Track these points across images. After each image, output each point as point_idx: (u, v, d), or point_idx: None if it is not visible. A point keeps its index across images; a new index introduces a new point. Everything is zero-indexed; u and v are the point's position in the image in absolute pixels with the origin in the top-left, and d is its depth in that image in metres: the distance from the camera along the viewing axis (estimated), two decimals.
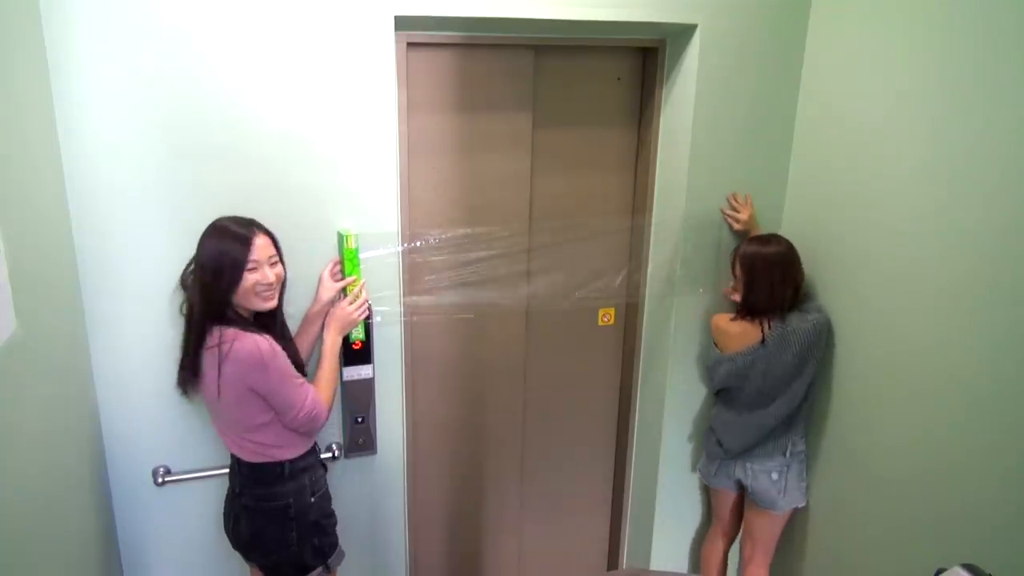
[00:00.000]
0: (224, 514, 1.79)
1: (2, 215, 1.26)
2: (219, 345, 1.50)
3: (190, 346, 1.56)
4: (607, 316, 2.44)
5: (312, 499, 1.69)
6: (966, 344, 1.61)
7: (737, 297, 2.05)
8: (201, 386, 1.58)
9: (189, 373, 1.57)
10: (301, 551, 1.68)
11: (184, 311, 1.62)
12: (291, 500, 1.65)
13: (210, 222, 1.57)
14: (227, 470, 1.77)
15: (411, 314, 2.04)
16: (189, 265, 1.60)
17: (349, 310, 1.77)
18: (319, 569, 1.73)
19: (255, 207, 1.68)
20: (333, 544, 1.78)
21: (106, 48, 1.56)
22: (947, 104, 1.63)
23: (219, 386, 1.52)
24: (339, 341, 1.76)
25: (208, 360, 1.52)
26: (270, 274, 1.56)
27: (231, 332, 1.51)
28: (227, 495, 1.77)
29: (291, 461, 1.65)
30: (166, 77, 1.62)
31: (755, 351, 1.98)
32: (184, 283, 1.63)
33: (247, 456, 1.63)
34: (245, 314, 1.59)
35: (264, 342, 1.52)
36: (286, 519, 1.65)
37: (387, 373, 1.99)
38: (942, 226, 1.65)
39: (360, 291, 1.81)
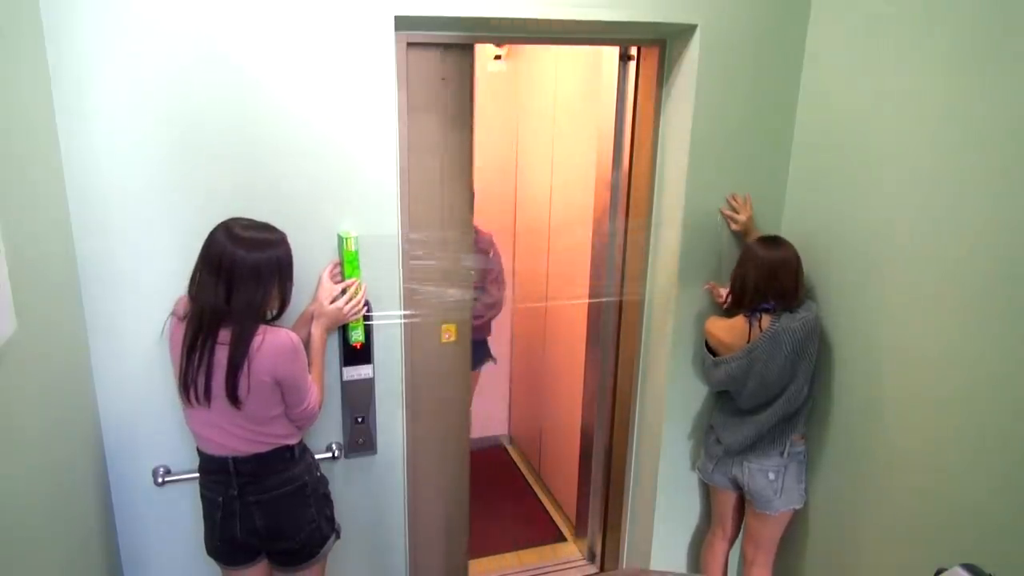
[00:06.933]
0: (218, 522, 1.70)
1: (2, 214, 1.26)
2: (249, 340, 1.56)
3: (206, 348, 1.53)
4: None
5: (318, 473, 1.79)
6: (966, 343, 1.61)
7: (722, 293, 2.07)
8: (215, 386, 1.56)
9: (202, 377, 1.55)
10: (320, 524, 1.76)
11: (207, 316, 1.53)
12: (306, 479, 1.73)
13: (229, 222, 1.55)
14: None
15: (411, 314, 2.04)
16: (196, 273, 1.55)
17: (342, 307, 1.79)
18: (333, 537, 1.82)
19: (256, 208, 1.68)
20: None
21: (106, 48, 1.57)
22: (948, 103, 1.63)
23: (249, 380, 1.55)
24: (325, 337, 1.78)
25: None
26: None
27: (260, 328, 1.58)
28: (214, 503, 1.70)
29: (297, 444, 1.72)
30: (166, 78, 1.62)
31: (748, 353, 1.98)
32: (195, 289, 1.57)
33: (257, 448, 1.65)
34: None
35: (294, 334, 1.62)
36: (304, 497, 1.72)
37: (387, 373, 1.99)
38: (942, 226, 1.65)
39: (356, 291, 1.82)
